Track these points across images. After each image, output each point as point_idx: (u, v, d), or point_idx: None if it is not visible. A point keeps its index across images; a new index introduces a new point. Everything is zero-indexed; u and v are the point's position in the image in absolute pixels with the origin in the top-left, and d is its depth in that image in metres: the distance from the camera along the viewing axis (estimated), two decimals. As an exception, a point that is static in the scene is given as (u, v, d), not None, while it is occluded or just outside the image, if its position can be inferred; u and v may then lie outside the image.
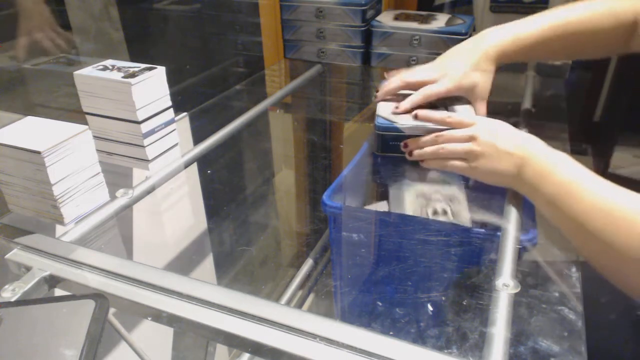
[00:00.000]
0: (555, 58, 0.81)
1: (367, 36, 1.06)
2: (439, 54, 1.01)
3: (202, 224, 0.94)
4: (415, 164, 0.69)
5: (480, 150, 0.60)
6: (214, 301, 0.45)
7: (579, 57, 0.78)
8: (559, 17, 0.69)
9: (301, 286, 0.86)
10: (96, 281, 0.49)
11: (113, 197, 0.62)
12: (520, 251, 0.53)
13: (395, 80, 0.73)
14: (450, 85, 0.69)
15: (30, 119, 0.58)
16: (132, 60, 0.70)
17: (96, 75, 0.66)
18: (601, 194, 0.47)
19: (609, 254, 0.46)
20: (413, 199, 0.67)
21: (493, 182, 0.60)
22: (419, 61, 1.03)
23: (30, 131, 0.55)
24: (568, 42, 0.69)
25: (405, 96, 0.72)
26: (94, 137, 0.57)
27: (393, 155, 0.73)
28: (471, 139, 0.61)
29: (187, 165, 0.74)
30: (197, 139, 0.80)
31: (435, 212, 0.64)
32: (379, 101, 0.76)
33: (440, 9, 1.71)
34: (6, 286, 0.48)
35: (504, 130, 0.61)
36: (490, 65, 0.70)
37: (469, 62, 0.70)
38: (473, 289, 0.54)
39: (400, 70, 0.76)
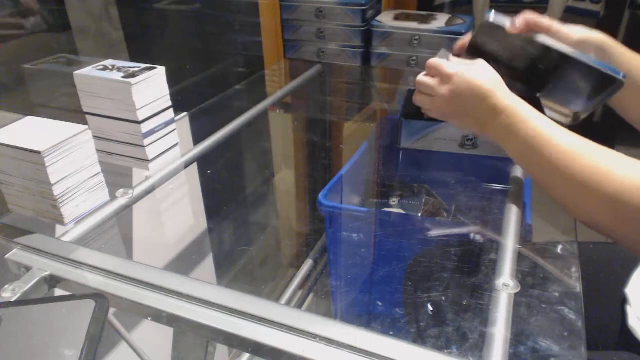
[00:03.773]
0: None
1: (367, 36, 1.06)
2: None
3: (202, 224, 0.94)
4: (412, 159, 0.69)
5: (441, 107, 0.63)
6: (214, 301, 0.45)
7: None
8: None
9: (301, 286, 0.86)
10: (96, 281, 0.49)
11: (113, 197, 0.62)
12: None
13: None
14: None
15: (30, 119, 0.58)
16: (132, 60, 0.70)
17: (96, 75, 0.66)
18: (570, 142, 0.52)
19: (576, 193, 0.51)
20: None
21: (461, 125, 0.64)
22: (419, 61, 1.03)
23: (30, 131, 0.55)
24: None
25: None
26: (94, 137, 0.57)
27: (393, 156, 0.74)
28: (438, 94, 0.62)
29: (187, 165, 0.74)
30: (197, 139, 0.80)
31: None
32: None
33: (440, 9, 1.72)
34: (6, 286, 0.48)
35: (475, 90, 0.60)
36: (578, 31, 0.65)
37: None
38: (473, 289, 0.54)
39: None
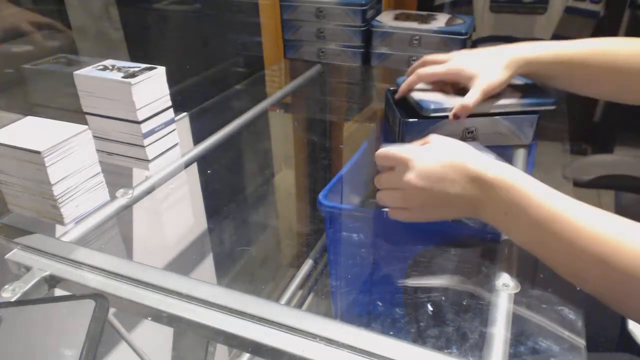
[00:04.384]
0: (596, 89, 0.68)
1: (367, 36, 1.06)
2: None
3: (202, 224, 0.94)
4: None
5: (408, 205, 0.53)
6: (214, 301, 0.45)
7: (624, 99, 0.66)
8: (603, 45, 0.63)
9: (301, 286, 0.86)
10: (96, 281, 0.49)
11: (113, 197, 0.62)
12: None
13: (412, 76, 0.71)
14: (451, 67, 0.67)
15: (30, 119, 0.58)
16: (132, 60, 0.70)
17: (96, 75, 0.66)
18: (593, 222, 0.43)
19: (610, 280, 0.42)
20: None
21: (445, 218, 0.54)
22: (419, 61, 1.03)
23: (30, 131, 0.55)
24: (612, 75, 0.63)
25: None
26: (94, 137, 0.57)
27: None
28: (405, 184, 0.52)
29: (187, 165, 0.74)
30: (197, 139, 0.80)
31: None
32: (400, 96, 0.73)
33: (440, 9, 1.72)
34: (6, 286, 0.48)
35: (437, 166, 0.51)
36: (505, 68, 0.64)
37: (481, 55, 0.67)
38: (473, 289, 0.54)
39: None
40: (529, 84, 0.72)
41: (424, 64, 0.72)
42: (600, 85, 0.66)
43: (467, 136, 0.72)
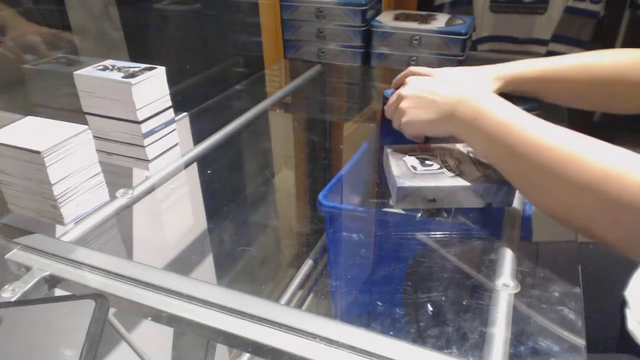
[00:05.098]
0: (586, 102, 0.72)
1: (367, 36, 1.06)
2: (439, 54, 1.02)
3: (202, 224, 0.94)
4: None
5: (406, 106, 0.63)
6: (214, 301, 0.45)
7: (607, 108, 0.71)
8: (589, 59, 0.66)
9: (301, 286, 0.86)
10: (96, 281, 0.49)
11: (113, 197, 0.62)
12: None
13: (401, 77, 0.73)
14: (440, 74, 0.68)
15: (30, 119, 0.58)
16: (132, 60, 0.70)
17: (96, 75, 0.66)
18: (545, 132, 0.49)
19: (555, 190, 0.47)
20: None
21: (431, 132, 0.63)
22: (419, 61, 1.03)
23: (30, 131, 0.55)
24: (601, 88, 0.66)
25: None
26: (94, 137, 0.57)
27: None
28: (399, 98, 0.64)
29: (187, 165, 0.74)
30: (197, 139, 0.80)
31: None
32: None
33: (440, 9, 1.72)
34: (6, 286, 0.48)
35: (433, 82, 0.64)
36: (488, 83, 0.67)
37: (463, 74, 0.69)
38: (473, 289, 0.54)
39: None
40: (513, 96, 0.71)
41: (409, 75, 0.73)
42: (590, 98, 0.69)
43: (457, 141, 0.72)
